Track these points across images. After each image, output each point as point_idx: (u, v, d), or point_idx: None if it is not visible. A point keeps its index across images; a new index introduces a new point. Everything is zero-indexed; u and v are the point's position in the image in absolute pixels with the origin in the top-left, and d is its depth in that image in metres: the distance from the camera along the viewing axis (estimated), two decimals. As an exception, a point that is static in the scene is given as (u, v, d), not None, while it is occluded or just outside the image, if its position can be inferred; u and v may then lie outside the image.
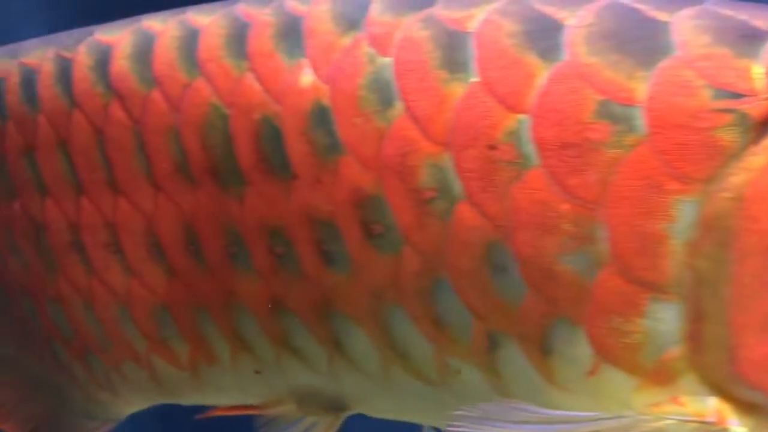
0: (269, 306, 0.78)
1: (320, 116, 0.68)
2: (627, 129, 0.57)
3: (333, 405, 0.84)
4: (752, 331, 0.57)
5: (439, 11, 0.66)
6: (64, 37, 0.87)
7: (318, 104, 0.69)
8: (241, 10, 0.76)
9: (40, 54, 0.87)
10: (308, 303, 0.75)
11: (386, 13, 0.68)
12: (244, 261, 0.77)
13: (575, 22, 0.60)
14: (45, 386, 1.02)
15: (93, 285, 0.88)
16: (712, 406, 0.59)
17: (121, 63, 0.80)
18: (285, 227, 0.73)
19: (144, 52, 0.79)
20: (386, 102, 0.65)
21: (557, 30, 0.61)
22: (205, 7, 0.80)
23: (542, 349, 0.64)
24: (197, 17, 0.79)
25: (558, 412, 0.62)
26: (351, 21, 0.69)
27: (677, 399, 0.59)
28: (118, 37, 0.82)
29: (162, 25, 0.80)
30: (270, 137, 0.71)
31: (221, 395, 0.91)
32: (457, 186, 0.62)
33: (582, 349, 0.62)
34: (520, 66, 0.61)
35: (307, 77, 0.69)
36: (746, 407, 0.59)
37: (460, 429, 0.62)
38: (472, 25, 0.63)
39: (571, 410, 0.62)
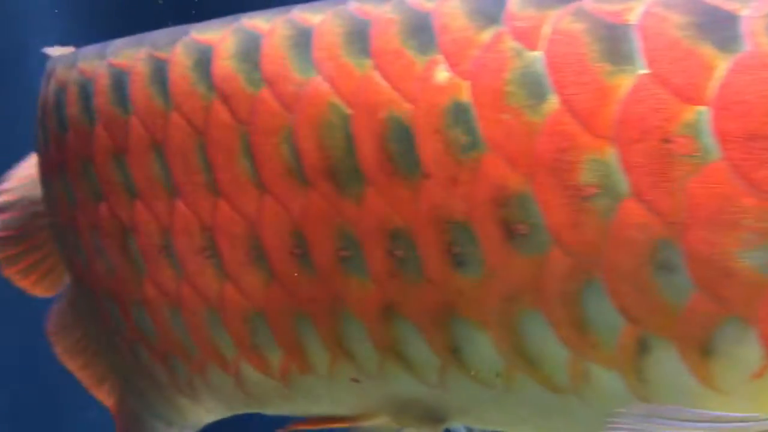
0: (381, 312, 0.75)
1: (458, 113, 0.66)
2: None
3: (432, 416, 0.82)
4: None
5: (590, 4, 0.64)
6: (155, 37, 0.85)
7: (455, 101, 0.66)
8: (355, 8, 0.74)
9: (130, 54, 0.84)
10: (427, 309, 0.73)
11: (528, 7, 0.66)
12: (356, 265, 0.74)
13: (751, 13, 0.59)
14: (131, 387, 1.01)
15: (182, 289, 0.85)
16: None
17: (225, 63, 0.77)
18: (409, 229, 0.70)
19: (250, 51, 0.77)
20: (538, 97, 0.63)
21: (732, 21, 0.59)
22: (311, 5, 0.78)
23: (703, 351, 0.62)
24: (305, 16, 0.76)
25: (728, 414, 0.60)
26: (488, 16, 0.67)
27: None
28: (219, 36, 0.79)
29: (268, 24, 0.77)
30: (398, 136, 0.69)
31: (311, 405, 0.88)
32: (623, 182, 0.61)
33: (750, 350, 0.60)
34: (695, 57, 0.59)
35: (442, 74, 0.67)
36: None
37: (624, 427, 0.60)
38: (633, 18, 0.62)
39: (726, 414, 0.61)
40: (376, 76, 0.70)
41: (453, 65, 0.67)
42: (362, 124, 0.70)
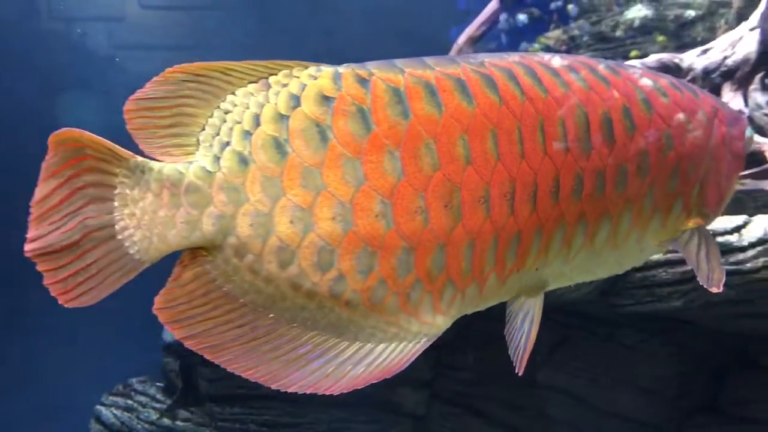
0: (576, 221, 1.22)
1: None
2: None
3: (540, 286, 1.27)
4: None
5: None
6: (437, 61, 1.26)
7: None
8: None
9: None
10: (598, 214, 1.23)
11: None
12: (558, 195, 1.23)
13: None
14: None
15: (486, 226, 1.19)
16: None
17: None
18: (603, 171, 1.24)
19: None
20: None
21: None
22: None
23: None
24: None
25: None
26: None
27: None
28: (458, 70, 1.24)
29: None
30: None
31: (505, 296, 1.27)
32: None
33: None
34: None
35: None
36: None
37: None
38: None
39: None
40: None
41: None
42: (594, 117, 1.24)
